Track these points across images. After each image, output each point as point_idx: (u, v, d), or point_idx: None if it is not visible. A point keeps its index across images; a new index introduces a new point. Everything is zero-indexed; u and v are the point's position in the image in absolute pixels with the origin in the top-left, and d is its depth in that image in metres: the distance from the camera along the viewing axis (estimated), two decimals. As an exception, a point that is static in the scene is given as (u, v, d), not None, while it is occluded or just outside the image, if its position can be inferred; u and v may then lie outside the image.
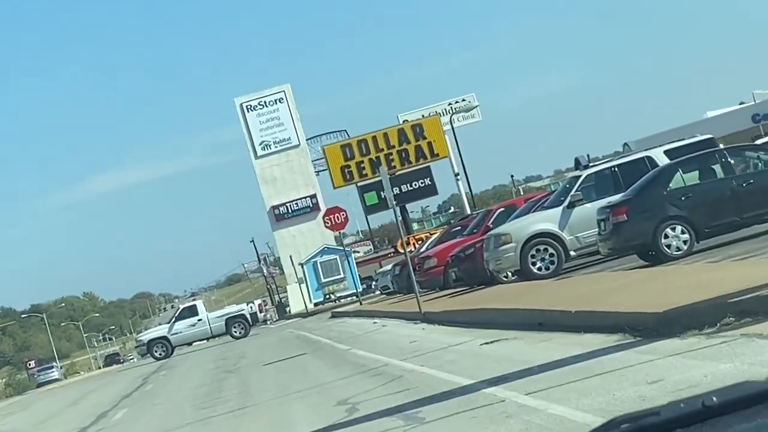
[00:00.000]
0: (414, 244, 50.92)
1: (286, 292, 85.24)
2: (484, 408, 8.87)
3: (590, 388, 8.42)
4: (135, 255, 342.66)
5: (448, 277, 30.82)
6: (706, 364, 8.07)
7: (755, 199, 18.45)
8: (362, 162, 62.21)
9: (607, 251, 20.33)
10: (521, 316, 15.44)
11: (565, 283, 19.46)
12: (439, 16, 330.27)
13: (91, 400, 30.81)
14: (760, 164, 19.32)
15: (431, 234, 48.95)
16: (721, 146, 21.56)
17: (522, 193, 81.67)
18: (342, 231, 46.98)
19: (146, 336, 55.65)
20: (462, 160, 62.76)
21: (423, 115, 69.09)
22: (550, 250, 22.94)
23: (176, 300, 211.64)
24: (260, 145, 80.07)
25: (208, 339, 53.22)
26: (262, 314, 66.51)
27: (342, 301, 64.31)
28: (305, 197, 79.67)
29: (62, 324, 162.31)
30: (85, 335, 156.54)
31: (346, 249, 56.64)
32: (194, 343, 54.26)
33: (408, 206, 65.33)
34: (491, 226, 27.89)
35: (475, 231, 30.01)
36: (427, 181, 62.93)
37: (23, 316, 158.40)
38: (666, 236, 18.49)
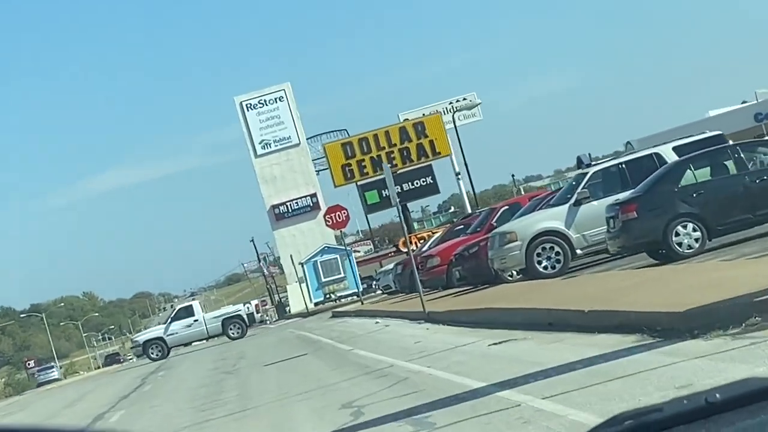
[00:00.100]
0: (416, 243, 50.44)
1: (286, 291, 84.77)
2: (498, 413, 8.40)
3: (612, 392, 7.94)
4: (135, 255, 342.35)
5: (451, 276, 30.36)
6: (737, 366, 7.62)
7: (770, 196, 18.01)
8: (363, 160, 61.80)
9: (616, 249, 19.89)
10: (530, 315, 14.98)
11: (572, 282, 19.04)
12: (439, 16, 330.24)
13: (88, 401, 30.42)
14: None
15: (432, 233, 48.52)
16: (731, 142, 21.13)
17: (522, 193, 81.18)
18: (343, 230, 46.54)
19: (142, 337, 55.31)
20: (464, 158, 62.34)
21: (424, 114, 68.56)
22: (556, 249, 22.50)
23: (176, 300, 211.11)
24: (260, 143, 79.56)
25: (205, 340, 52.88)
26: (259, 314, 66.11)
27: (342, 300, 63.87)
28: (305, 196, 79.17)
29: (62, 324, 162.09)
30: (84, 335, 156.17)
31: (346, 248, 56.24)
32: (193, 344, 53.94)
33: (408, 206, 64.84)
34: (495, 224, 27.46)
35: (478, 229, 29.55)
36: (429, 180, 62.50)
37: (23, 315, 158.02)
38: (677, 234, 18.06)
